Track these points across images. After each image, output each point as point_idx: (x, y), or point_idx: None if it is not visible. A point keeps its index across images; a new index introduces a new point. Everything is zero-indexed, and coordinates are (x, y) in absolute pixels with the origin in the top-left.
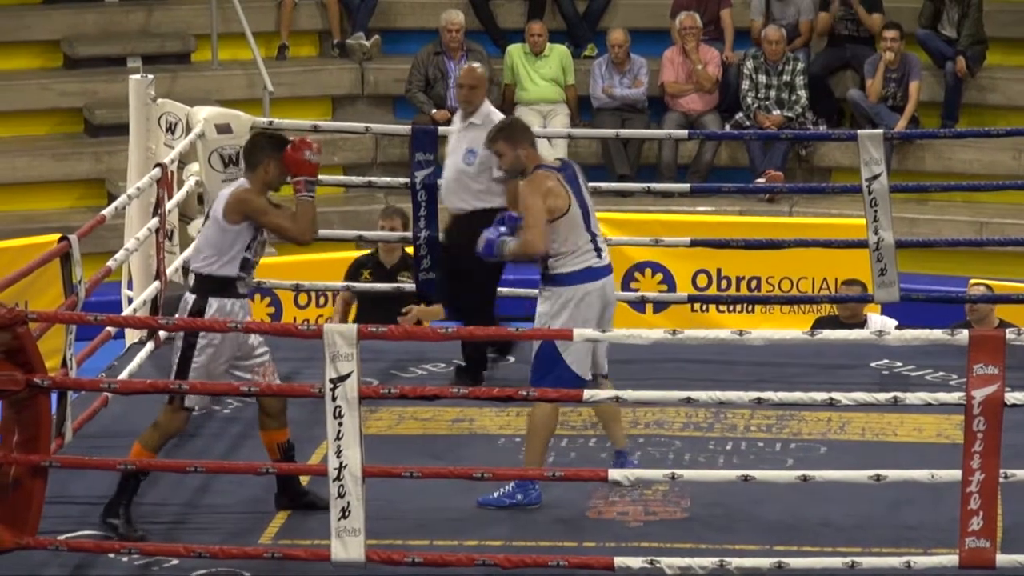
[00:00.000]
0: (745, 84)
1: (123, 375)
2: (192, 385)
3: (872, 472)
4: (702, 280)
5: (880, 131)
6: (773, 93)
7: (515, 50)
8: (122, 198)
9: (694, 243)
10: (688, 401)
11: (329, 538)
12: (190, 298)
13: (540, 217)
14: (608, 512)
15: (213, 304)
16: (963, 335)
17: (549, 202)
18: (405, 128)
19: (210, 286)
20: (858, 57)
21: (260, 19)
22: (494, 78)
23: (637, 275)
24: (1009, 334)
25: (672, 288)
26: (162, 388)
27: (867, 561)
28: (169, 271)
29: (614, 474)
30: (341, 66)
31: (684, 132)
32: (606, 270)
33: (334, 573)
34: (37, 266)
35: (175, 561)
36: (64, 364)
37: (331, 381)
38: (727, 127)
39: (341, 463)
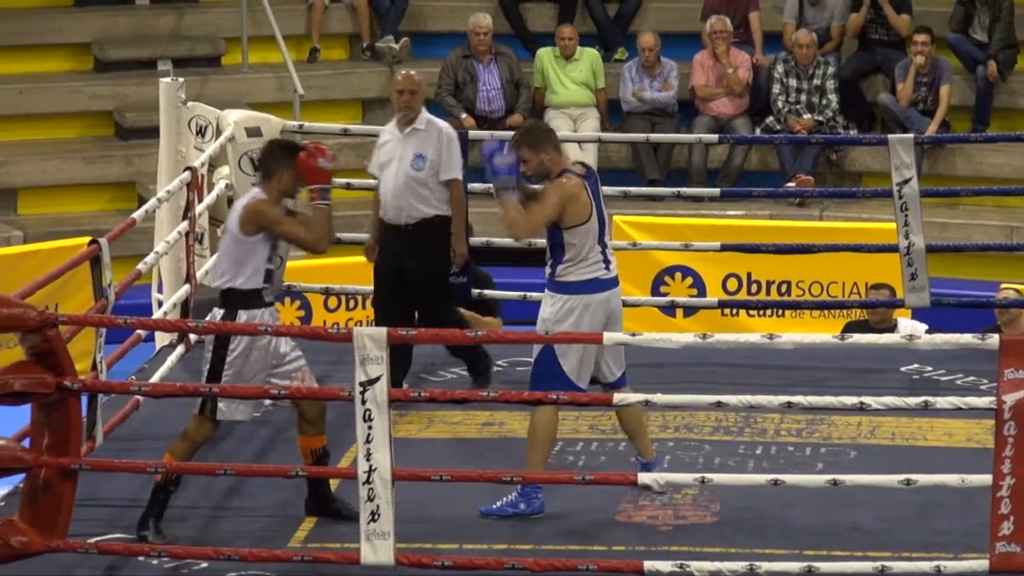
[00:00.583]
0: (776, 88)
1: (154, 378)
2: (222, 389)
3: (902, 476)
4: (732, 284)
5: (911, 135)
6: (804, 97)
7: (545, 54)
8: (152, 201)
9: (724, 247)
10: (718, 405)
11: (359, 541)
12: (218, 313)
13: (546, 217)
14: (638, 516)
15: (242, 316)
16: (994, 339)
17: (570, 210)
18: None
19: (236, 300)
20: (889, 61)
21: (290, 22)
22: (521, 81)
23: (667, 279)
24: None
25: (702, 292)
26: (192, 391)
27: (897, 566)
28: (199, 274)
29: (644, 478)
30: (371, 69)
31: (714, 136)
32: (613, 282)
33: None
34: (67, 269)
35: (205, 564)
36: (94, 367)
37: (361, 384)
38: (757, 131)
39: (371, 466)
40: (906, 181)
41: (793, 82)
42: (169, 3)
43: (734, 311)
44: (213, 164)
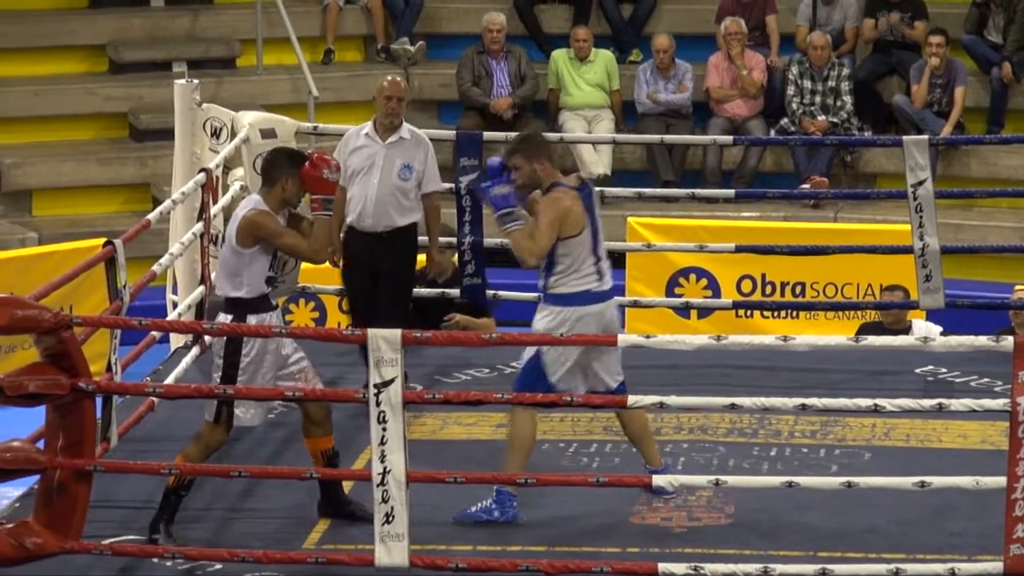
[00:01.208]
0: (790, 89)
1: (168, 379)
2: (236, 390)
3: (917, 478)
4: (747, 286)
5: (925, 137)
6: (818, 99)
7: (560, 55)
8: (167, 203)
9: (739, 249)
10: (732, 407)
11: (373, 543)
12: (226, 319)
13: (549, 237)
14: (652, 518)
15: (251, 320)
16: (1008, 341)
17: (564, 223)
18: (450, 133)
19: (242, 307)
20: (904, 63)
21: (305, 24)
22: (527, 75)
23: (681, 280)
24: None
25: (716, 294)
26: (207, 393)
27: (911, 568)
28: (214, 275)
29: (658, 480)
30: (386, 71)
31: (729, 138)
32: (607, 295)
33: None
34: (82, 270)
35: (219, 566)
36: (109, 368)
37: (375, 386)
38: (772, 133)
39: (385, 468)
40: (921, 183)
41: (808, 84)
42: (184, 5)
43: (748, 312)
44: (228, 166)
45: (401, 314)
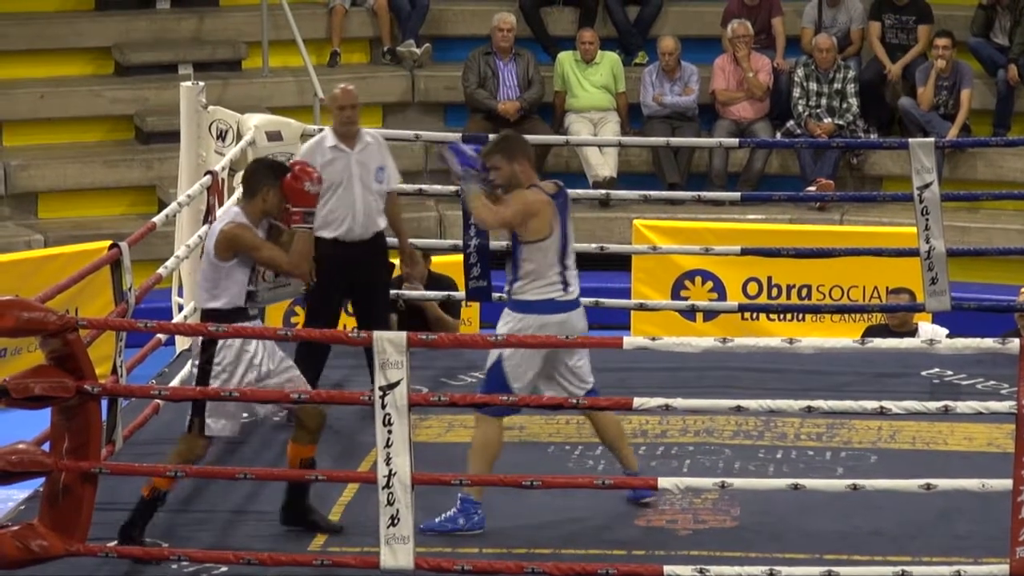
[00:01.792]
0: (796, 92)
1: (174, 382)
2: (243, 393)
3: (922, 481)
4: (752, 288)
5: (931, 139)
6: (824, 101)
7: (565, 57)
8: (173, 205)
9: (744, 251)
10: (738, 410)
11: (378, 545)
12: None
13: (507, 216)
14: (658, 520)
15: None
16: (1014, 344)
17: (530, 225)
18: (456, 136)
19: (217, 319)
20: (910, 65)
21: (311, 26)
22: (534, 78)
23: (687, 283)
24: None
25: (722, 296)
26: (213, 395)
27: (917, 570)
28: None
29: (664, 482)
30: (392, 73)
31: (735, 140)
32: (571, 304)
33: None
34: (88, 273)
35: (224, 568)
36: (114, 371)
37: (381, 389)
38: (778, 135)
39: (390, 470)
40: (927, 185)
41: (814, 86)
42: (190, 7)
43: (754, 315)
44: (234, 168)
45: (388, 315)
